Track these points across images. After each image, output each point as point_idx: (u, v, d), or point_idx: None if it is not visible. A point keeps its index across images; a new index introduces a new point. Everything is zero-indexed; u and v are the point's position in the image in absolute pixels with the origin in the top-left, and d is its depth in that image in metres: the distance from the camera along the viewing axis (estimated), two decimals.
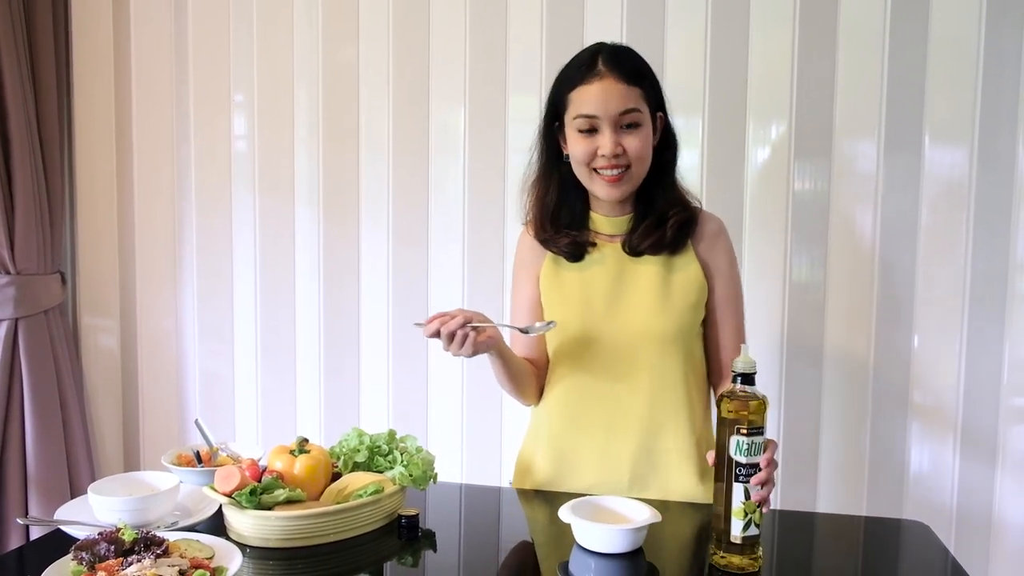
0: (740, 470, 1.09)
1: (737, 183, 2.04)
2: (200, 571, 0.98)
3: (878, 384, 2.01)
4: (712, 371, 1.45)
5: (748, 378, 1.11)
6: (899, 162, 1.98)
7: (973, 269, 1.96)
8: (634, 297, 1.39)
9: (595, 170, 1.35)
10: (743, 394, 1.10)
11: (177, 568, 0.98)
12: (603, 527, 1.13)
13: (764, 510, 1.10)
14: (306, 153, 2.32)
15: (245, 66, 2.35)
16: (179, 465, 1.41)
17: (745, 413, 1.09)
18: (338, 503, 1.21)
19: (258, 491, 1.16)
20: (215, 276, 2.42)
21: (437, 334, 1.29)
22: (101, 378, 2.53)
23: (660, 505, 1.33)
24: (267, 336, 2.40)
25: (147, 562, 0.98)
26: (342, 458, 1.33)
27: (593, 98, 1.31)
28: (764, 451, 1.09)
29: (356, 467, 1.34)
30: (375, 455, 1.35)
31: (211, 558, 1.05)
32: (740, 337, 1.44)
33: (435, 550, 1.23)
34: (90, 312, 2.52)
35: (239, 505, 1.15)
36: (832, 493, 2.04)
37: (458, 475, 2.27)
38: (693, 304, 1.39)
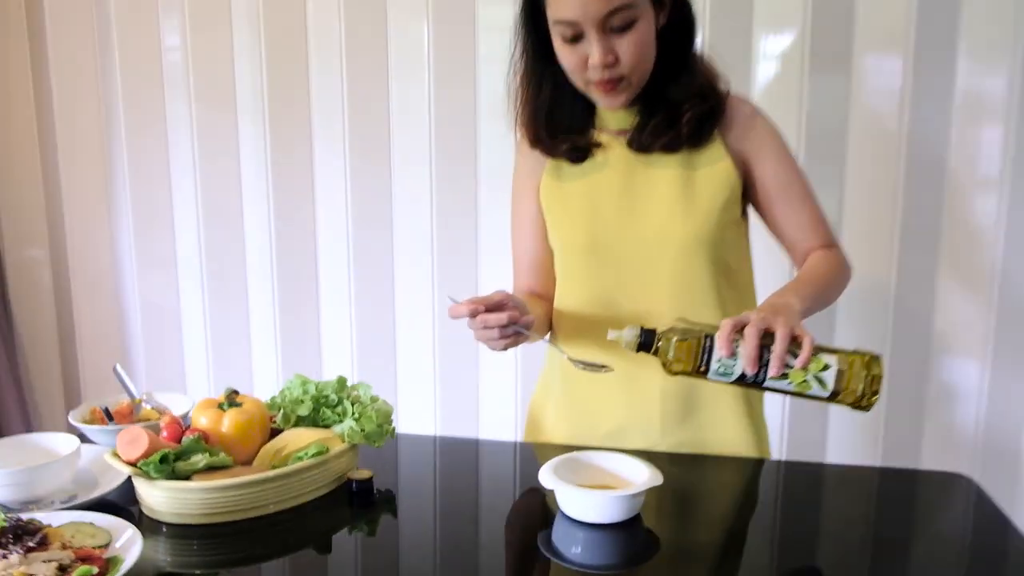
0: (750, 379, 0.94)
1: None
2: (84, 567, 0.77)
3: (900, 311, 1.81)
4: (794, 262, 1.22)
5: (646, 346, 0.99)
6: (928, 78, 1.73)
7: (1012, 193, 1.74)
8: (650, 200, 1.16)
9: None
10: (665, 356, 0.98)
11: (56, 563, 0.78)
12: (590, 494, 0.93)
13: (805, 356, 0.92)
14: (247, 61, 2.04)
15: None
16: (92, 423, 1.19)
17: (686, 362, 0.96)
18: (274, 467, 1.01)
19: (170, 458, 0.95)
20: (152, 201, 2.17)
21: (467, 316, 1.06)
22: (33, 318, 2.29)
23: (689, 459, 1.17)
24: (213, 265, 2.17)
25: (14, 559, 0.77)
26: (282, 411, 1.12)
27: (571, 0, 1.05)
28: (723, 344, 0.94)
29: (300, 422, 1.13)
30: (322, 407, 1.14)
31: (107, 545, 0.84)
32: (818, 222, 1.19)
33: (395, 515, 1.03)
34: (15, 245, 2.26)
35: (147, 476, 0.94)
36: (843, 431, 1.87)
37: (431, 425, 2.08)
38: (722, 204, 1.15)
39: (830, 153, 1.80)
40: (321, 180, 2.05)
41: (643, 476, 0.97)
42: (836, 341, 1.83)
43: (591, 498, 0.93)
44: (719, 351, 0.94)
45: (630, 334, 0.99)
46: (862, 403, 0.95)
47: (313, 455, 1.00)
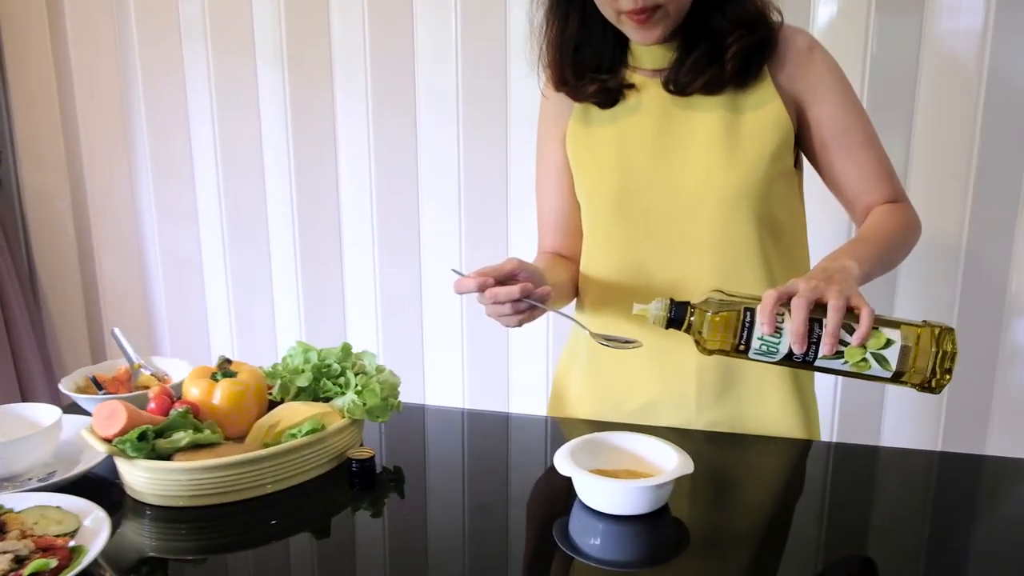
0: (798, 359, 0.82)
1: None
2: (41, 561, 0.69)
3: (970, 269, 1.63)
4: (854, 220, 1.08)
5: (676, 322, 0.86)
6: (1014, 15, 1.53)
7: None
8: (688, 148, 1.03)
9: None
10: (699, 333, 0.85)
11: (11, 555, 0.70)
12: (608, 483, 0.82)
13: (863, 331, 0.79)
14: (265, 3, 1.93)
15: None
16: (86, 391, 1.12)
17: (723, 340, 0.84)
18: (266, 444, 0.92)
19: (150, 435, 0.87)
20: (171, 150, 2.10)
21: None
22: (57, 274, 2.26)
23: (727, 439, 1.05)
24: (234, 217, 2.10)
25: None
26: (279, 382, 1.03)
27: None
28: (765, 319, 0.81)
29: (299, 394, 1.04)
30: (323, 377, 1.05)
31: (75, 532, 0.77)
32: (883, 172, 1.04)
33: (402, 496, 0.94)
34: (38, 199, 2.22)
35: (124, 455, 0.86)
36: (901, 407, 1.72)
37: (458, 394, 1.99)
38: (772, 152, 1.01)
39: (898, 101, 1.62)
40: (343, 129, 1.95)
41: (672, 462, 0.85)
42: (897, 304, 1.67)
43: (610, 487, 0.82)
44: (761, 327, 0.81)
45: (657, 308, 0.86)
46: (931, 384, 0.82)
47: (307, 433, 0.91)
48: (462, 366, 2.00)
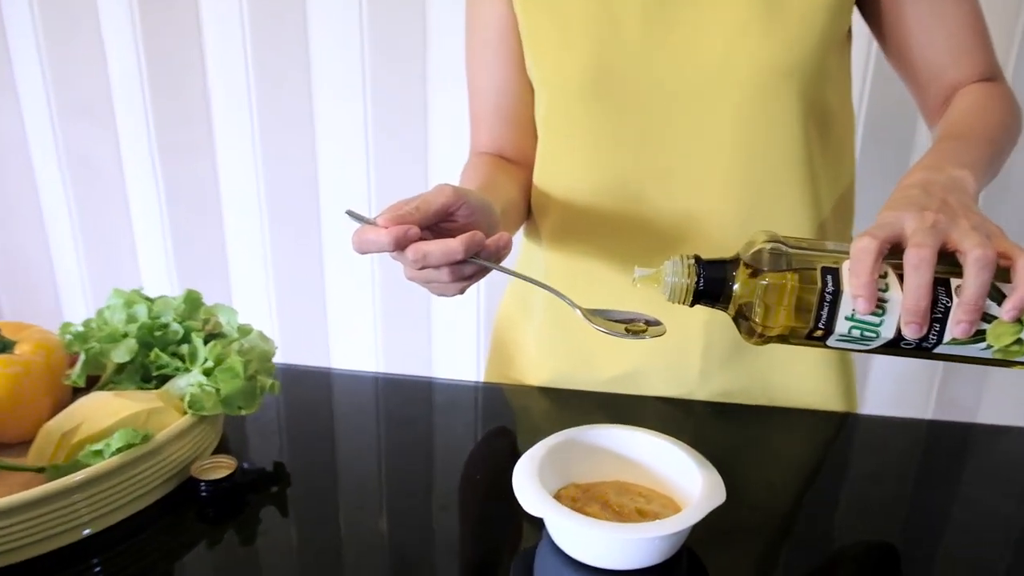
0: (911, 345, 0.51)
1: None
2: None
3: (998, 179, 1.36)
4: (927, 109, 0.77)
5: (709, 293, 0.54)
6: None
7: None
8: (702, 5, 0.68)
9: None
10: (750, 309, 0.53)
11: None
12: (605, 533, 0.52)
13: (1021, 295, 0.49)
14: None
15: None
16: None
17: (787, 321, 0.52)
18: (53, 467, 0.58)
19: None
20: None
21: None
22: None
23: (746, 414, 0.76)
24: (68, 102, 1.63)
25: None
26: (85, 355, 0.68)
27: None
28: (862, 287, 0.50)
29: (120, 373, 0.69)
30: (156, 345, 0.70)
31: None
32: (976, 37, 0.73)
33: (284, 513, 0.64)
34: None
35: None
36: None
37: (371, 353, 1.65)
38: (830, 8, 0.68)
39: None
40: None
41: (691, 479, 0.56)
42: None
43: (606, 538, 0.52)
44: (855, 302, 0.50)
45: (675, 272, 0.54)
46: None
47: (117, 451, 0.57)
48: (373, 315, 1.65)
